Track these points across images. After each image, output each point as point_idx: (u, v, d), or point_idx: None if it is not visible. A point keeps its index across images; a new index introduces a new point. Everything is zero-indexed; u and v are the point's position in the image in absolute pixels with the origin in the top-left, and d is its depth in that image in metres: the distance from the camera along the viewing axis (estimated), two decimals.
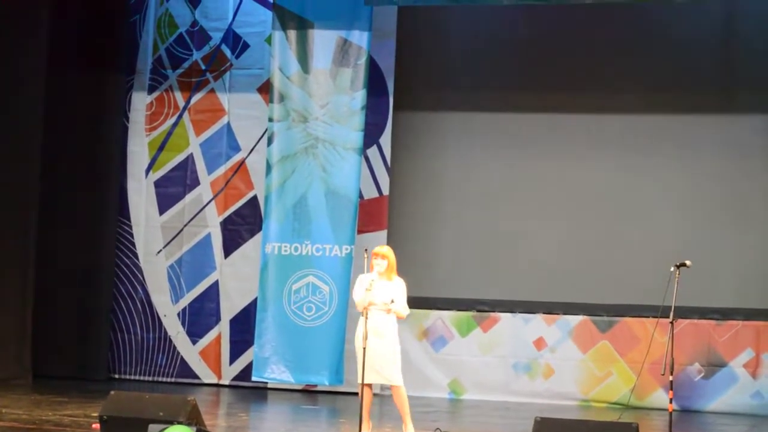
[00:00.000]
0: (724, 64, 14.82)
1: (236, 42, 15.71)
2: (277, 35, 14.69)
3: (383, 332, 10.56)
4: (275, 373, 14.32)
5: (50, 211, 15.30)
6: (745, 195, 14.68)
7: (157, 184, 15.85)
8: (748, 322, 14.41)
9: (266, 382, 14.79)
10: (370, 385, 10.74)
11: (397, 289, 10.73)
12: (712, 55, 14.82)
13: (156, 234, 15.78)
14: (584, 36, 15.05)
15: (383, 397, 13.81)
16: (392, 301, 10.60)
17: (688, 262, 9.95)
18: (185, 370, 15.51)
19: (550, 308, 14.89)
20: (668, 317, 9.67)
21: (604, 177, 15.00)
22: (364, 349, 10.32)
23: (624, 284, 14.71)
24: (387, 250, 10.84)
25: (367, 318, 10.33)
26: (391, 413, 12.05)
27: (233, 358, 15.40)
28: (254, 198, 15.51)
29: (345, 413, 13.02)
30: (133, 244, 15.81)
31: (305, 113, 14.55)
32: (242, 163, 15.62)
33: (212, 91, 15.77)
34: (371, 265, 10.75)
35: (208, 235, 15.64)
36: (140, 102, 15.93)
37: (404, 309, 10.76)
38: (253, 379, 14.50)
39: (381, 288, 10.62)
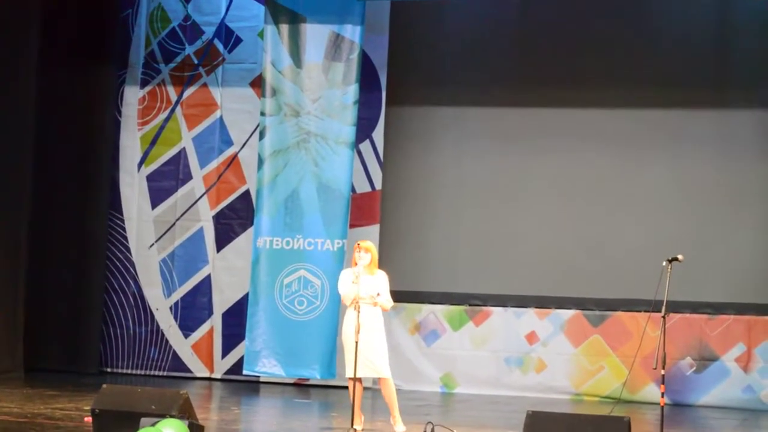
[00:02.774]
0: (718, 59, 14.82)
1: (229, 36, 15.70)
2: (269, 29, 14.67)
3: (371, 325, 10.59)
4: (266, 367, 14.32)
5: (42, 205, 15.30)
6: (737, 190, 14.70)
7: (150, 178, 15.84)
8: (740, 316, 14.44)
9: (258, 376, 14.81)
10: (359, 379, 10.75)
11: (381, 283, 10.76)
12: (706, 50, 14.82)
13: (148, 228, 15.78)
14: (577, 31, 15.06)
15: (375, 390, 13.81)
16: (378, 294, 10.63)
17: (680, 257, 9.96)
18: (177, 363, 15.52)
19: (542, 302, 14.92)
20: (660, 311, 9.68)
21: (596, 171, 15.02)
22: (357, 343, 10.33)
23: (616, 279, 14.73)
24: (370, 244, 10.87)
25: (359, 312, 10.34)
26: (383, 407, 12.04)
27: (225, 351, 15.41)
28: (246, 192, 15.51)
29: (337, 407, 13.04)
30: (126, 238, 15.80)
31: (297, 107, 14.54)
32: (235, 157, 15.62)
33: (205, 85, 15.77)
34: (353, 259, 10.77)
35: (201, 229, 15.64)
36: (132, 96, 15.93)
37: (388, 302, 10.79)
38: (244, 372, 14.51)
39: (365, 282, 10.64)
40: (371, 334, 10.58)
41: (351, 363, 10.59)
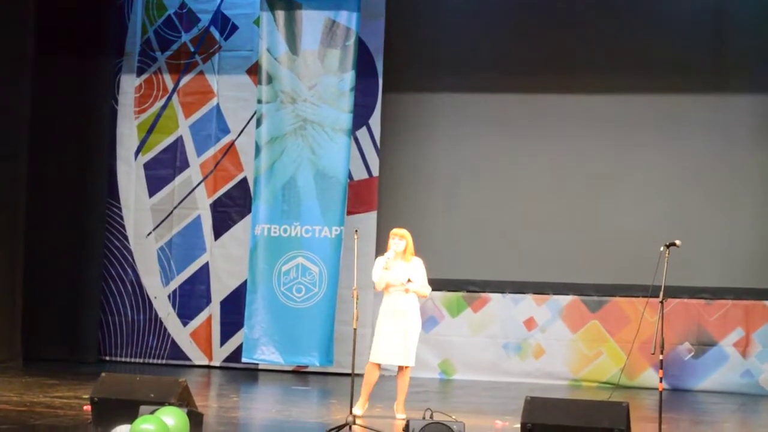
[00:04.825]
0: (713, 44, 14.81)
1: (225, 24, 15.67)
2: (265, 16, 14.67)
3: (403, 313, 10.62)
4: (265, 355, 14.35)
5: (39, 194, 15.27)
6: (734, 175, 14.70)
7: (147, 166, 15.82)
8: (738, 301, 14.45)
9: (257, 364, 14.81)
10: (379, 365, 10.77)
11: (416, 269, 10.77)
12: (702, 35, 14.81)
13: (146, 216, 15.77)
14: (575, 17, 15.05)
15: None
16: (408, 281, 10.63)
17: (677, 242, 9.94)
18: (176, 351, 15.52)
19: (540, 288, 14.92)
20: (658, 297, 9.66)
21: (593, 157, 15.02)
22: (355, 330, 10.31)
23: (614, 264, 14.74)
24: (405, 232, 10.86)
25: (356, 298, 10.31)
26: (381, 394, 12.02)
27: (224, 339, 15.41)
28: (244, 180, 15.50)
29: (336, 394, 13.04)
30: (123, 227, 15.79)
31: (294, 95, 14.53)
32: (231, 145, 15.61)
33: (201, 73, 15.75)
34: (388, 246, 10.77)
35: (198, 217, 15.63)
36: (129, 84, 15.90)
37: (424, 288, 10.81)
38: (243, 360, 14.52)
39: (398, 269, 10.66)
40: (401, 322, 10.61)
41: (379, 347, 10.63)
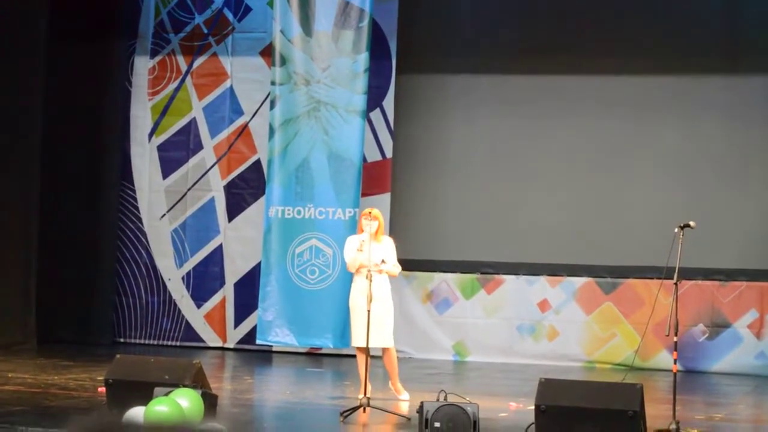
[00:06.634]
0: (728, 25, 14.76)
1: (238, 5, 15.65)
2: None
3: (377, 294, 10.56)
4: (279, 337, 14.35)
5: (53, 176, 15.30)
6: (748, 156, 14.66)
7: (160, 148, 15.83)
8: (752, 282, 14.42)
9: (271, 346, 14.83)
10: (365, 349, 10.77)
11: (388, 249, 10.77)
12: (716, 16, 14.76)
13: (159, 198, 15.79)
14: None
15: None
16: (383, 261, 10.63)
17: (692, 223, 9.92)
18: (190, 333, 15.55)
19: (554, 270, 14.91)
20: (672, 278, 9.66)
21: (608, 139, 14.98)
22: (369, 311, 10.30)
23: (628, 246, 14.71)
24: (377, 212, 10.88)
25: (371, 280, 10.31)
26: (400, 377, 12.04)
27: (238, 321, 15.43)
28: (257, 162, 15.50)
29: (350, 376, 13.03)
30: (137, 209, 15.81)
31: (307, 76, 14.50)
32: (245, 126, 15.61)
33: (215, 54, 15.74)
34: (360, 226, 10.77)
35: (212, 199, 15.64)
36: (142, 66, 15.90)
37: (395, 267, 10.82)
38: (258, 342, 14.54)
39: (371, 249, 10.64)
40: (377, 303, 10.58)
41: (357, 331, 10.62)
